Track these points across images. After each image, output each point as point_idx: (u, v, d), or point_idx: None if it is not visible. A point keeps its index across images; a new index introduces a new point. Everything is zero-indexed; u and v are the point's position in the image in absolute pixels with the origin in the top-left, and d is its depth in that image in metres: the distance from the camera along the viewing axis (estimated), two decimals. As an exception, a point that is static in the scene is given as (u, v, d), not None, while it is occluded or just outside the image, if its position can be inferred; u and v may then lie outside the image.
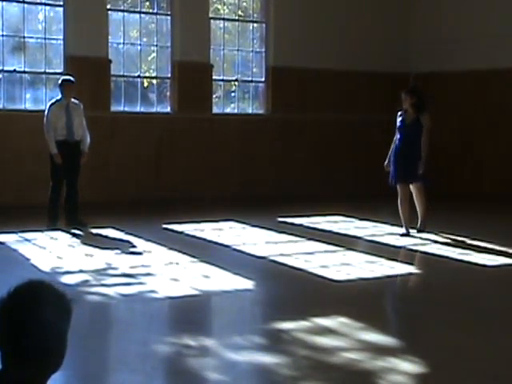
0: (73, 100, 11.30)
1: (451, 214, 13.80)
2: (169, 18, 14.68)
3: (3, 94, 13.31)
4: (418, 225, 11.27)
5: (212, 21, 15.17)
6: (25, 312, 2.19)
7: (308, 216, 13.01)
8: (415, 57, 16.86)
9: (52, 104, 11.27)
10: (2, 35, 13.27)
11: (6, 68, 13.30)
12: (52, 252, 9.59)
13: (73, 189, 11.24)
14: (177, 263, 8.93)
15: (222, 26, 15.52)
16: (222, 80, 15.48)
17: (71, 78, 11.44)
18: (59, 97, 11.27)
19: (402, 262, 9.28)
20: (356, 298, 7.60)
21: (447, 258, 9.70)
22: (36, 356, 2.21)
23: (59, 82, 11.49)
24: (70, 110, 11.15)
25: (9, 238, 10.39)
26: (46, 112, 11.17)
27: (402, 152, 11.08)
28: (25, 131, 12.91)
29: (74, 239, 10.56)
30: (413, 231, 11.14)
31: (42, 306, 2.21)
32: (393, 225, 12.04)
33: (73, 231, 10.96)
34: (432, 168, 16.68)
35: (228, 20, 15.62)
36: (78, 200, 11.28)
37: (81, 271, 8.45)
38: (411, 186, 11.19)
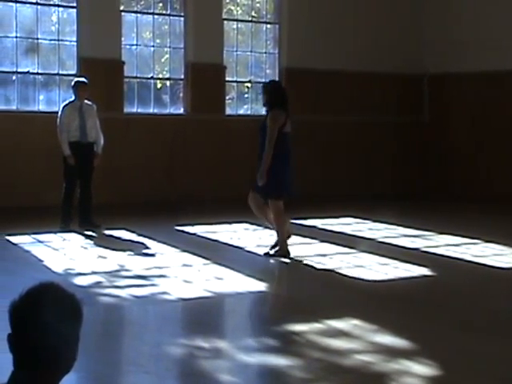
0: (86, 101, 11.34)
1: (464, 215, 13.76)
2: (182, 19, 14.71)
3: (17, 96, 13.36)
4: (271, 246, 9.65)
5: (225, 22, 15.18)
6: (35, 314, 2.20)
7: (321, 218, 13.00)
8: (428, 57, 16.82)
9: (65, 105, 11.31)
10: (16, 37, 13.32)
11: (19, 70, 13.35)
12: (65, 253, 9.62)
13: (86, 190, 11.26)
14: (190, 265, 8.94)
15: (235, 27, 15.53)
16: (236, 81, 15.49)
17: (84, 80, 11.48)
18: (72, 98, 11.32)
19: (416, 263, 9.25)
20: (369, 300, 7.58)
21: (461, 259, 9.67)
22: (47, 357, 2.22)
23: (72, 83, 11.54)
24: (84, 112, 11.18)
25: (22, 240, 10.42)
26: (59, 113, 11.21)
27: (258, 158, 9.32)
28: (38, 133, 12.96)
29: (87, 241, 10.59)
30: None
31: (52, 307, 2.22)
32: (406, 227, 12.03)
33: (86, 233, 11.00)
34: (446, 168, 16.74)
35: (241, 21, 15.63)
36: (91, 202, 11.30)
37: (94, 273, 8.46)
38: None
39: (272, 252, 9.47)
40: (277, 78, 15.64)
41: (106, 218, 11.82)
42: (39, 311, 2.21)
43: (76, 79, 11.68)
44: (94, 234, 10.95)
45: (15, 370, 2.25)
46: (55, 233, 10.90)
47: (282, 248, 9.40)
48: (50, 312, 2.21)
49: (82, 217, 11.26)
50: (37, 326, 2.20)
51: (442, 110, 16.81)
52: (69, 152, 11.02)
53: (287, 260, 9.27)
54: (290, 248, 9.46)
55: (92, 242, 10.45)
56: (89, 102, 11.40)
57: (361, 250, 10.16)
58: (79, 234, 10.95)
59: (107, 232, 11.13)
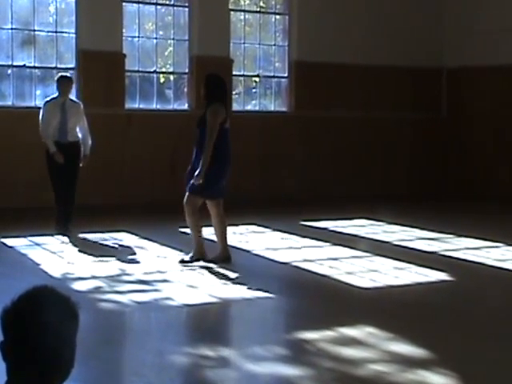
0: (71, 98, 11.26)
1: (485, 216, 13.73)
2: (186, 9, 14.72)
3: (12, 91, 13.39)
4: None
5: (232, 13, 15.18)
6: (28, 320, 2.21)
7: (333, 219, 12.99)
8: (446, 50, 16.80)
9: (47, 101, 11.20)
10: (11, 28, 13.34)
11: (15, 63, 13.37)
12: (63, 257, 9.64)
13: (68, 194, 10.95)
14: (194, 269, 8.95)
15: (242, 18, 15.53)
16: (243, 75, 15.49)
17: (68, 75, 11.47)
18: (56, 94, 11.20)
19: (433, 268, 9.24)
20: (384, 307, 7.58)
21: (482, 264, 9.65)
22: (42, 365, 2.22)
23: (56, 78, 11.50)
24: (66, 109, 11.01)
25: (18, 242, 10.45)
26: (41, 110, 11.10)
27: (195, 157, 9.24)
28: (35, 130, 12.95)
29: (86, 243, 10.60)
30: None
31: (45, 312, 2.23)
32: (423, 229, 12.02)
33: (59, 237, 10.85)
34: (464, 167, 16.71)
35: (249, 12, 15.63)
36: (72, 206, 10.97)
37: (93, 277, 8.48)
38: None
39: (187, 258, 9.23)
40: (286, 73, 15.65)
41: (106, 220, 11.84)
42: (33, 315, 2.21)
43: (60, 74, 11.64)
44: (67, 239, 10.74)
45: (9, 378, 2.25)
46: (52, 235, 10.91)
47: (196, 250, 9.19)
48: (45, 314, 2.22)
49: (59, 221, 11.01)
50: (31, 331, 2.21)
51: (461, 106, 16.79)
52: (55, 149, 10.82)
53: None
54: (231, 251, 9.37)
55: (91, 245, 10.47)
56: (75, 99, 11.36)
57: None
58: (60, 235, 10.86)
59: (108, 235, 11.14)
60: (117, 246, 10.50)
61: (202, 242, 9.34)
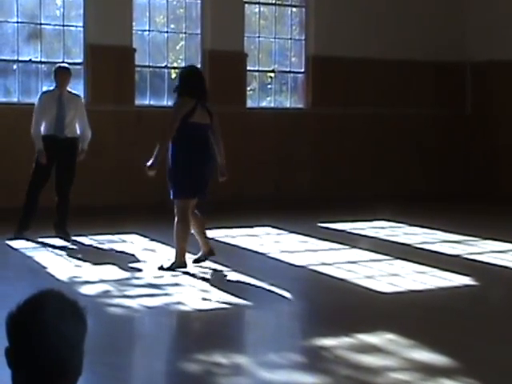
0: (70, 90, 11.13)
1: (512, 219, 13.69)
2: (199, 2, 14.72)
3: (18, 87, 13.43)
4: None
5: (246, 5, 15.18)
6: (33, 326, 2.21)
7: (352, 221, 12.98)
8: (471, 43, 16.74)
9: (43, 93, 11.12)
10: (17, 22, 13.38)
11: (20, 58, 13.41)
12: (70, 260, 9.66)
13: (62, 195, 10.83)
14: (206, 272, 8.95)
15: (257, 10, 15.53)
16: (258, 71, 15.49)
17: (66, 65, 11.42)
18: (52, 87, 11.12)
19: (456, 272, 9.22)
20: (405, 313, 7.57)
21: (508, 268, 9.63)
22: (48, 372, 2.23)
23: (53, 69, 11.43)
24: (64, 102, 10.85)
25: (22, 244, 10.48)
26: (36, 102, 11.00)
27: None
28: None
29: (93, 246, 10.63)
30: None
31: (52, 317, 2.23)
32: (446, 231, 11.98)
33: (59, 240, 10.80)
34: (490, 166, 16.63)
35: (264, 4, 15.63)
36: (67, 209, 10.85)
37: (101, 281, 8.50)
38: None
39: (166, 265, 9.02)
40: (303, 68, 15.64)
41: (116, 222, 11.86)
42: (39, 321, 2.22)
43: (58, 65, 11.60)
44: (66, 243, 10.68)
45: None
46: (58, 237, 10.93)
47: (176, 259, 9.00)
48: (51, 320, 2.22)
49: (56, 224, 10.92)
50: (37, 337, 2.21)
51: (487, 102, 16.72)
52: (41, 147, 10.63)
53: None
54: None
55: (100, 248, 10.49)
56: (74, 92, 11.29)
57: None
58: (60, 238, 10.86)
59: (117, 237, 11.16)
60: (125, 248, 10.51)
61: (206, 241, 9.30)
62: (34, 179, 10.83)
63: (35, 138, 10.79)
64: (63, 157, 10.77)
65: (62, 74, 10.99)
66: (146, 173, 9.26)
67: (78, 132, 10.99)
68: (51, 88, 11.19)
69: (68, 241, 10.73)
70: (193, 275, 8.78)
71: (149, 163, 9.15)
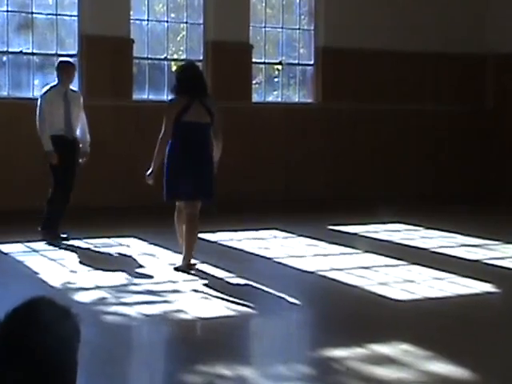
0: (71, 87, 11.22)
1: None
2: (201, -11, 14.75)
3: (8, 80, 13.44)
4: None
5: (252, -7, 15.21)
6: (22, 337, 2.21)
7: (364, 224, 12.97)
8: (492, 34, 16.73)
9: (47, 90, 11.12)
10: (7, 11, 13.40)
11: (11, 49, 13.43)
12: (64, 265, 9.67)
13: (65, 194, 10.94)
14: (209, 278, 8.95)
15: (263, -1, 15.56)
16: (264, 63, 15.50)
17: (70, 60, 11.45)
18: (55, 82, 11.16)
19: (476, 278, 9.21)
20: (421, 322, 7.56)
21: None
22: (42, 381, 2.22)
23: (56, 64, 11.47)
24: (69, 100, 10.97)
25: (14, 248, 10.49)
26: (39, 101, 11.02)
27: None
28: (33, 123, 13.02)
29: (89, 249, 10.64)
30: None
31: (42, 328, 2.22)
32: (465, 235, 11.97)
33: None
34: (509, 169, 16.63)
35: (270, -8, 15.65)
36: (65, 208, 10.95)
37: (97, 287, 8.51)
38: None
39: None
40: (312, 60, 15.64)
41: (114, 224, 11.87)
42: (28, 331, 2.21)
43: (60, 59, 11.61)
44: (58, 246, 10.73)
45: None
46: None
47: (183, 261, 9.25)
48: (42, 330, 2.22)
49: (54, 221, 11.02)
50: (26, 349, 2.20)
51: (509, 96, 16.70)
52: (51, 148, 10.73)
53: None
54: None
55: (95, 252, 10.50)
56: (74, 89, 11.32)
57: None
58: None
59: (116, 240, 11.17)
60: (123, 252, 10.53)
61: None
62: (56, 180, 10.88)
63: (43, 138, 10.86)
64: (72, 157, 10.91)
65: (67, 70, 11.06)
66: (146, 181, 9.37)
67: (78, 132, 11.06)
68: (53, 84, 11.19)
69: (58, 245, 10.76)
70: (194, 281, 8.79)
71: (148, 172, 9.28)
